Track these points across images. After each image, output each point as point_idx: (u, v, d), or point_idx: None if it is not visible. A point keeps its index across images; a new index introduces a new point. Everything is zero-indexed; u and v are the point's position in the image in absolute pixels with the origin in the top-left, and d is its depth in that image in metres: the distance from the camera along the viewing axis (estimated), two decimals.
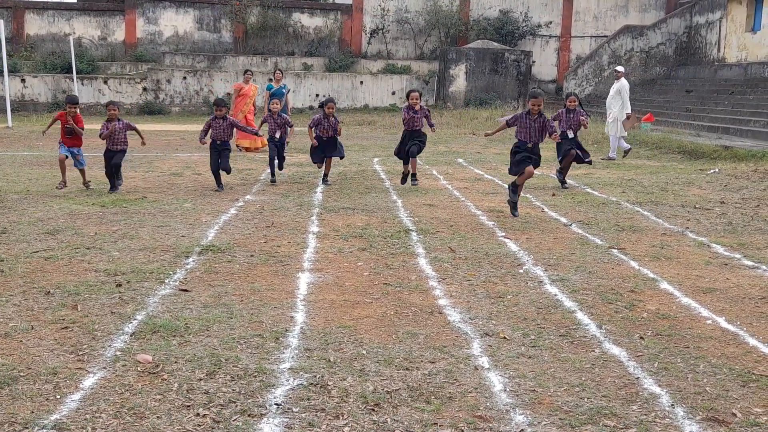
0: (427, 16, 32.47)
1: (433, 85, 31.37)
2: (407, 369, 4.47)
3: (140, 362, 4.48)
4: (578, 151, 12.02)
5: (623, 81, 16.71)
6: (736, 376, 4.45)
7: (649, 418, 3.89)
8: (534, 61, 32.45)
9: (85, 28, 30.98)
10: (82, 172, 11.22)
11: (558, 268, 6.94)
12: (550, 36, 33.67)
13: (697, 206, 10.33)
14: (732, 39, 28.04)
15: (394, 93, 30.99)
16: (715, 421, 3.87)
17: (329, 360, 4.58)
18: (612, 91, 16.73)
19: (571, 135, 12.05)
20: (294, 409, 3.89)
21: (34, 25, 30.74)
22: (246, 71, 17.49)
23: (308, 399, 4.02)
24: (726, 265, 7.22)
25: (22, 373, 4.25)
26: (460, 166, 15.01)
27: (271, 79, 19.10)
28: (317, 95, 29.61)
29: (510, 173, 9.78)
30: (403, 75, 31.36)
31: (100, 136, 11.06)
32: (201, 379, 4.24)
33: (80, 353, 4.61)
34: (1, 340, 4.81)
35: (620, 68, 17.14)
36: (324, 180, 12.20)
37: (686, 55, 31.40)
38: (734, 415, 3.94)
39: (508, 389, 4.22)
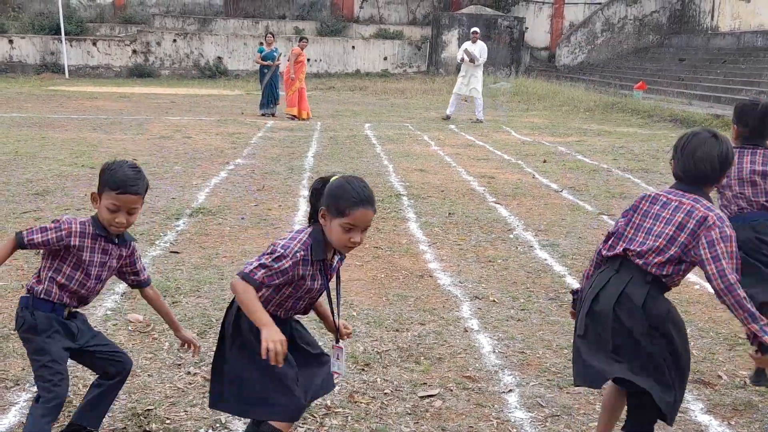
0: None
1: (425, 51, 31.15)
2: (397, 330, 4.50)
3: (131, 322, 4.49)
4: None
5: (482, 42, 17.72)
6: (722, 340, 4.51)
7: None
8: (527, 28, 32.19)
9: None
10: None
11: (548, 234, 6.97)
12: (544, 2, 33.37)
13: None
14: (726, 7, 27.89)
15: (386, 58, 30.76)
16: (701, 383, 3.92)
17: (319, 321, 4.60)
18: (475, 53, 17.28)
19: None
20: None
21: None
22: (302, 38, 17.25)
23: None
24: None
25: (12, 332, 4.26)
26: (452, 132, 14.97)
27: (262, 43, 18.93)
28: (308, 60, 29.37)
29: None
30: (395, 40, 31.11)
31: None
32: None
33: None
34: None
35: (477, 29, 18.18)
36: None
37: (680, 23, 31.23)
38: (720, 377, 3.99)
39: (496, 351, 4.26)
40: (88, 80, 26.22)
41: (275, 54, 17.37)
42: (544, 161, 11.27)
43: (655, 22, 31.36)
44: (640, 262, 2.82)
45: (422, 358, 4.12)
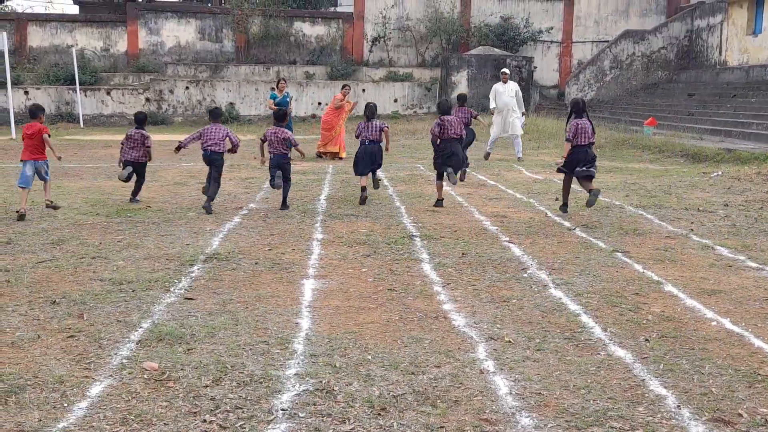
0: (428, 23, 32.50)
1: (435, 92, 31.41)
2: (413, 373, 4.47)
3: (146, 370, 4.49)
4: None
5: (513, 82, 18.38)
6: (741, 377, 4.45)
7: (656, 419, 3.89)
8: (536, 67, 32.44)
9: (87, 40, 31.06)
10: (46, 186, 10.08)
11: (562, 272, 6.94)
12: (552, 41, 33.68)
13: (700, 209, 10.33)
14: (733, 42, 28.05)
15: (396, 100, 31.02)
16: (721, 421, 3.87)
17: (335, 365, 4.59)
18: (512, 92, 17.71)
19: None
20: (300, 415, 3.90)
21: (37, 37, 30.84)
22: (344, 86, 18.24)
23: (314, 404, 4.03)
24: (730, 266, 7.22)
25: (29, 382, 4.27)
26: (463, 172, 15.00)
27: (273, 88, 19.14)
28: (319, 103, 29.66)
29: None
30: (405, 82, 31.40)
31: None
32: (207, 386, 4.25)
33: (87, 361, 4.62)
34: (8, 349, 4.82)
35: (506, 70, 18.49)
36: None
37: (688, 58, 31.39)
38: (740, 415, 3.94)
39: (513, 392, 4.22)
40: (102, 129, 26.56)
41: (287, 99, 17.55)
42: (557, 199, 11.27)
43: (663, 58, 31.54)
44: (459, 135, 10.61)
45: (439, 401, 4.09)
